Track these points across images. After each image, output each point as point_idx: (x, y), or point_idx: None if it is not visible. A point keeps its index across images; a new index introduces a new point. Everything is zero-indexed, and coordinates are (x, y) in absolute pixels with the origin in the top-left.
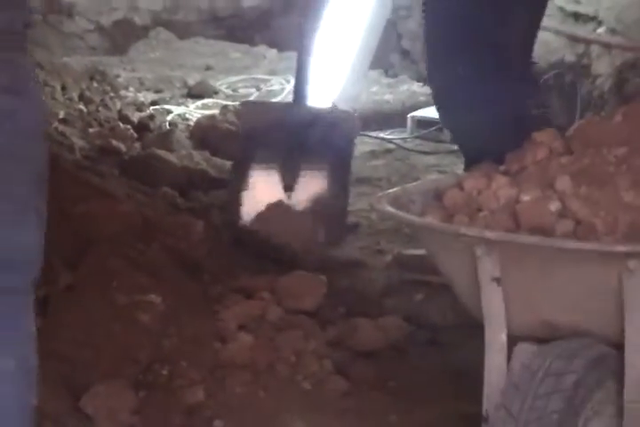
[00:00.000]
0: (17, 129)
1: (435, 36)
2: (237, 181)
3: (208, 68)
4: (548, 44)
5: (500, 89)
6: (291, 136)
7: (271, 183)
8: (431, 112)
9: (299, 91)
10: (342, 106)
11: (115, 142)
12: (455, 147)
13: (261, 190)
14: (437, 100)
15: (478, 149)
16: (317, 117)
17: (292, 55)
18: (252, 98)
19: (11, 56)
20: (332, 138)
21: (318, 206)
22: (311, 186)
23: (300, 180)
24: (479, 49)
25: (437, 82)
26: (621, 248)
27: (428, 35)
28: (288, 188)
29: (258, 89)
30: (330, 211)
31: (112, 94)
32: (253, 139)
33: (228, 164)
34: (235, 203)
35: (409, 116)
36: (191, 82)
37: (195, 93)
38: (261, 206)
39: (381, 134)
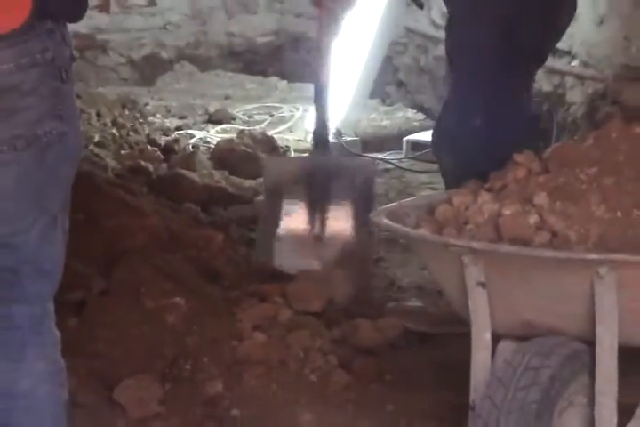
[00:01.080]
0: (64, 151)
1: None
2: (266, 233)
3: (227, 97)
4: None
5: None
6: (316, 187)
7: (299, 234)
8: (424, 136)
9: (319, 141)
10: (345, 130)
11: (143, 163)
12: None
13: (290, 241)
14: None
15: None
16: (341, 167)
17: (301, 86)
18: (264, 124)
19: (59, 86)
20: (355, 186)
21: (347, 253)
22: (339, 234)
23: (327, 229)
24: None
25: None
26: (593, 257)
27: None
28: (317, 238)
29: (270, 115)
30: (358, 256)
31: (141, 120)
32: (277, 193)
33: (245, 182)
34: (264, 254)
35: (404, 139)
36: (211, 109)
37: (215, 119)
38: (291, 260)
39: (380, 155)
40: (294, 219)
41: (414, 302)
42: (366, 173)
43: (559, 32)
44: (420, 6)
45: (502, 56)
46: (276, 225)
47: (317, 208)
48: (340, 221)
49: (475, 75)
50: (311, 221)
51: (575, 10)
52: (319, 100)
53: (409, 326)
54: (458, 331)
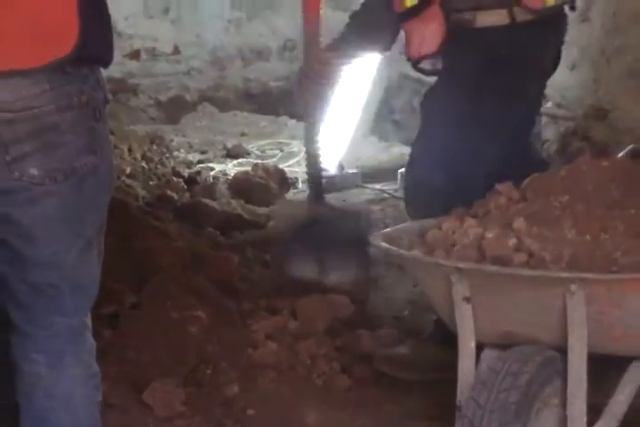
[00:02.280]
0: (99, 182)
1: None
2: (280, 271)
3: (243, 134)
4: None
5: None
6: (320, 232)
7: (309, 273)
8: None
9: (315, 194)
10: (347, 164)
11: (169, 192)
12: None
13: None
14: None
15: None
16: (341, 214)
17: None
18: (276, 158)
19: (93, 125)
20: (355, 229)
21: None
22: (343, 270)
23: (332, 266)
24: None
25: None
26: (565, 275)
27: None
28: (324, 274)
29: (281, 150)
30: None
31: (167, 155)
32: (292, 234)
33: (259, 209)
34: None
35: (399, 171)
36: (229, 145)
37: (232, 154)
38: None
39: (377, 186)
40: (304, 268)
41: (402, 350)
42: (364, 218)
43: (530, 100)
44: None
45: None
46: (289, 272)
47: (324, 256)
48: (344, 265)
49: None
50: (319, 267)
51: (547, 77)
52: (311, 155)
53: (398, 375)
54: (443, 377)
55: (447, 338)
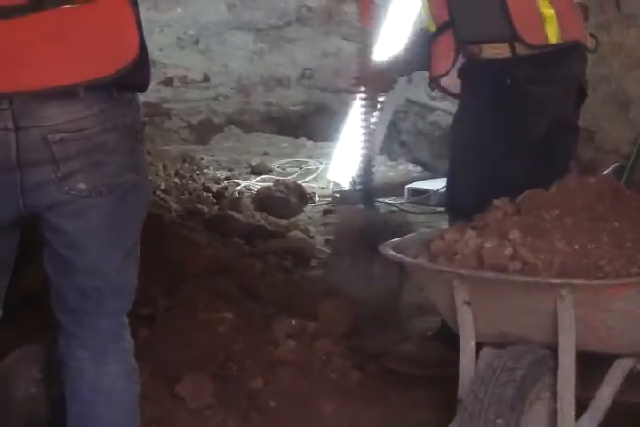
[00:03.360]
0: (137, 196)
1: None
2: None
3: (265, 153)
4: None
5: None
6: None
7: (354, 270)
8: (421, 184)
9: (366, 201)
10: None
11: (200, 206)
12: (438, 209)
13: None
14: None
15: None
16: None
17: (324, 144)
18: (295, 175)
19: (134, 145)
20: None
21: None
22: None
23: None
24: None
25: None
26: (556, 281)
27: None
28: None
29: (300, 168)
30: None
31: (198, 172)
32: (344, 236)
33: (281, 221)
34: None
35: (406, 187)
36: (253, 163)
37: (256, 171)
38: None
39: (387, 200)
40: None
41: (408, 348)
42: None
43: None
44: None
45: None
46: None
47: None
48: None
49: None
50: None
51: (564, 107)
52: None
53: (405, 371)
54: (446, 372)
55: (450, 337)
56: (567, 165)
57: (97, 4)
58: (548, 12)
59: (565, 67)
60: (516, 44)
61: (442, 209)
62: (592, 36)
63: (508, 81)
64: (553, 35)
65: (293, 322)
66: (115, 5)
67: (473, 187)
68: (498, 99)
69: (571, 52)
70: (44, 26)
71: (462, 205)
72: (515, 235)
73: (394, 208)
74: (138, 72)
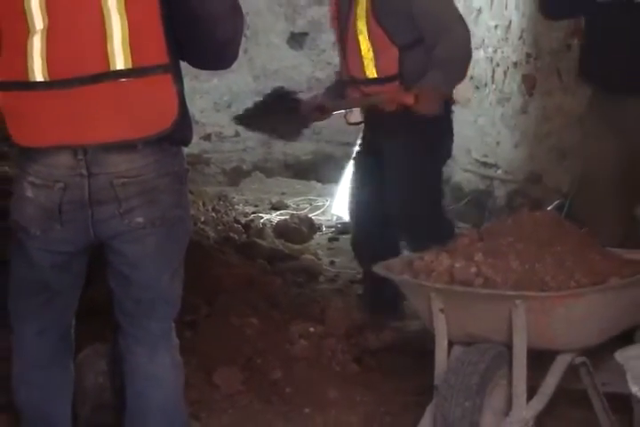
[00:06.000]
0: (182, 228)
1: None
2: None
3: (283, 193)
4: (470, 179)
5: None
6: None
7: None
8: None
9: None
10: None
11: (232, 234)
12: None
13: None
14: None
15: None
16: None
17: (330, 186)
18: (306, 210)
19: (180, 187)
20: None
21: None
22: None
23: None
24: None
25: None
26: (511, 293)
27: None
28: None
29: (310, 204)
30: None
31: (230, 208)
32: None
33: (295, 246)
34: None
35: None
36: (274, 201)
37: (275, 207)
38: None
39: None
40: None
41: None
42: None
43: None
44: None
45: None
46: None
47: None
48: None
49: None
50: None
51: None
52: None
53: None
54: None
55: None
56: None
57: (146, 79)
58: None
59: None
60: None
61: None
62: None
63: None
64: None
65: (308, 327)
66: (160, 80)
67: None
68: None
69: None
70: (105, 94)
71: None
72: (479, 257)
73: None
74: (181, 132)
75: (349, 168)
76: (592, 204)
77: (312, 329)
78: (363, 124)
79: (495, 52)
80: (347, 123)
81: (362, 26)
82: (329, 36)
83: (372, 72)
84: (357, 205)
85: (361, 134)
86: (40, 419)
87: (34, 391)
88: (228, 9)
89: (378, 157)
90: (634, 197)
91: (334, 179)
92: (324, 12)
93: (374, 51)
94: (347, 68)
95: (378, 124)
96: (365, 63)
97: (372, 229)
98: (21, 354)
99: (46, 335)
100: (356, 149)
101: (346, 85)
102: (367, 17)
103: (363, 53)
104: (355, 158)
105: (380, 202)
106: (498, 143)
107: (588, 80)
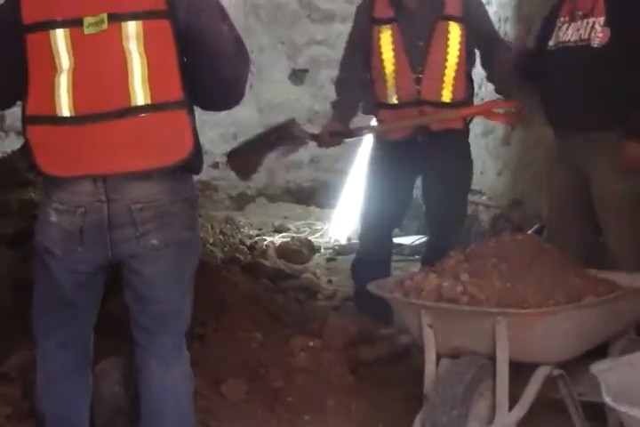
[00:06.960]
0: (192, 249)
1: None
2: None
3: (285, 217)
4: None
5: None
6: None
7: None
8: (397, 240)
9: None
10: (353, 235)
11: (238, 255)
12: (410, 257)
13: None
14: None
15: None
16: None
17: (328, 211)
18: (306, 233)
19: (191, 212)
20: None
21: None
22: None
23: None
24: None
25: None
26: (494, 310)
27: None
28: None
29: (310, 228)
30: None
31: (236, 231)
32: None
33: (296, 266)
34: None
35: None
36: (276, 224)
37: (278, 230)
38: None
39: None
40: None
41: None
42: None
43: None
44: None
45: None
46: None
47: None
48: None
49: None
50: None
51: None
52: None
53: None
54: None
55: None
56: None
57: (164, 114)
58: None
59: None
60: None
61: (413, 258)
62: None
63: None
64: None
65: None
66: (176, 114)
67: None
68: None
69: None
70: (126, 128)
71: None
72: (464, 277)
73: None
74: (194, 163)
75: (344, 195)
76: (555, 232)
77: (311, 343)
78: (377, 148)
79: (480, 88)
80: (382, 138)
81: (454, 51)
82: (327, 73)
83: (447, 96)
84: (373, 227)
85: (372, 155)
86: (61, 425)
87: (56, 400)
88: (232, 45)
89: (404, 177)
90: (592, 225)
91: (331, 204)
92: (322, 51)
93: (454, 77)
94: (409, 91)
95: (423, 143)
96: (443, 87)
97: (381, 252)
98: (45, 366)
99: (68, 349)
100: (370, 169)
101: (382, 107)
102: (461, 44)
103: (445, 78)
104: (371, 181)
105: (391, 225)
106: (482, 172)
107: (546, 117)
